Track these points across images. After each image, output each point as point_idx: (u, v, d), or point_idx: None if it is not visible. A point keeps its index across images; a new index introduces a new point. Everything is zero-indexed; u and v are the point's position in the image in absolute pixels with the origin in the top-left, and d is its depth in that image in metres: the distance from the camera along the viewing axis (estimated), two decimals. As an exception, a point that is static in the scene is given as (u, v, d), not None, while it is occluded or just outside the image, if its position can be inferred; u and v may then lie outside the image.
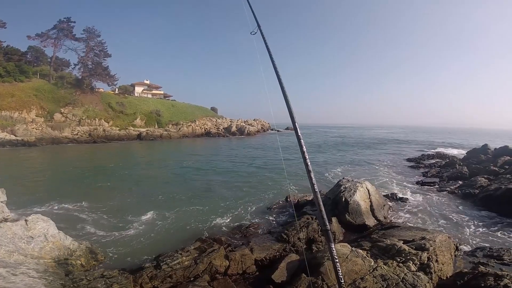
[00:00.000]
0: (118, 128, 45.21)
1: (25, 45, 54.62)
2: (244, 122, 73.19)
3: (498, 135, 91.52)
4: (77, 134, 39.54)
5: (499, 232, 9.21)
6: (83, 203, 11.84)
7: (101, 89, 54.95)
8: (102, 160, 25.86)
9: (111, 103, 49.58)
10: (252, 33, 3.42)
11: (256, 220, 10.31)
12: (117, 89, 58.17)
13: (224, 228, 9.59)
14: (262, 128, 75.77)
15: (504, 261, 6.34)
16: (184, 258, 6.35)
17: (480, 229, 9.53)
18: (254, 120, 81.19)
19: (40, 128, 36.61)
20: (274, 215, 10.82)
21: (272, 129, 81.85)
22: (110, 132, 42.80)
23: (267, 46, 3.12)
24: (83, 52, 51.49)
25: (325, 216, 1.01)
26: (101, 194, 13.37)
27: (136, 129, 47.18)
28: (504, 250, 6.89)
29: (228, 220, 10.41)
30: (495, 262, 6.36)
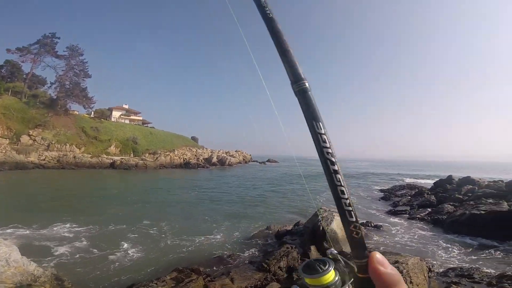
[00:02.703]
0: (90, 156, 42.78)
1: (2, 58, 51.65)
2: (226, 153, 72.94)
3: (459, 167, 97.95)
4: (44, 160, 36.95)
5: (467, 253, 9.81)
6: (51, 227, 11.40)
7: (75, 112, 52.67)
8: (67, 186, 24.54)
9: (85, 128, 47.55)
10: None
11: (237, 250, 10.09)
12: (93, 113, 56.31)
13: (203, 258, 9.22)
14: (243, 159, 75.87)
15: (475, 279, 6.68)
16: (160, 288, 6.02)
17: (450, 251, 10.07)
18: (236, 151, 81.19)
19: (4, 151, 33.99)
20: (255, 245, 10.67)
21: (254, 161, 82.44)
22: (81, 159, 40.37)
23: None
24: (63, 70, 49.55)
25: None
26: (69, 219, 12.68)
27: (109, 157, 44.86)
28: (474, 269, 7.30)
29: (208, 250, 10.09)
30: (467, 280, 6.68)
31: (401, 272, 6.63)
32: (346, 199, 0.65)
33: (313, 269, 0.61)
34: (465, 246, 10.55)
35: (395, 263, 7.00)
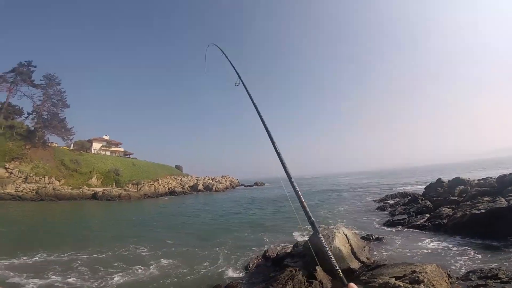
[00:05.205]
0: (70, 187, 40.49)
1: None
2: (212, 179, 72.43)
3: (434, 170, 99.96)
4: (22, 191, 34.71)
5: (478, 254, 9.40)
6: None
7: (54, 144, 50.13)
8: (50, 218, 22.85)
9: (64, 160, 45.25)
10: (236, 84, 3.61)
11: (237, 278, 9.31)
12: (72, 145, 53.96)
13: (202, 288, 8.37)
14: (230, 184, 75.01)
15: (502, 279, 6.20)
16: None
17: (461, 254, 9.65)
18: (222, 177, 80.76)
19: (-23, 182, 31.67)
20: (254, 271, 9.90)
21: (241, 185, 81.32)
22: (61, 191, 38.18)
23: (249, 94, 3.35)
24: (40, 100, 47.28)
25: (307, 209, 1.44)
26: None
27: (91, 188, 42.72)
28: (496, 270, 6.80)
29: (205, 279, 9.30)
30: (494, 282, 6.20)
31: (421, 281, 6.19)
32: (336, 264, 1.25)
33: None
34: (474, 247, 10.16)
35: (412, 273, 6.48)
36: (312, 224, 1.44)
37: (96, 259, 11.37)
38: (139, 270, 10.10)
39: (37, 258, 11.23)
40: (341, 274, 1.06)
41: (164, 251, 12.46)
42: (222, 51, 4.86)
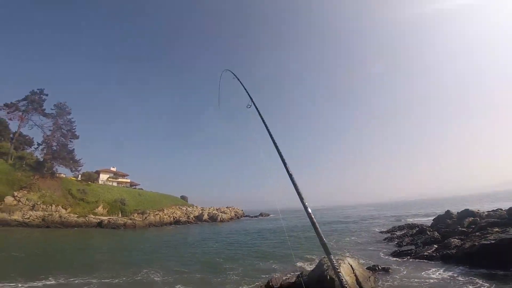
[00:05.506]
0: (76, 215, 40.95)
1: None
2: (217, 209, 72.24)
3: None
4: (28, 218, 35.36)
5: (486, 283, 9.42)
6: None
7: (62, 175, 50.99)
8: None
9: (71, 190, 46.12)
10: (247, 106, 3.59)
11: None
12: (80, 176, 54.98)
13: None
14: (236, 215, 74.58)
15: None
16: None
17: (467, 283, 9.68)
18: (227, 207, 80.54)
19: (-15, 208, 32.28)
20: None
21: (246, 216, 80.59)
22: (67, 219, 38.65)
23: (261, 117, 3.31)
24: (50, 130, 47.34)
25: (321, 233, 1.40)
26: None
27: (97, 216, 43.03)
28: None
29: None
30: None
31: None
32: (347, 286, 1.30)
33: None
34: (482, 277, 10.12)
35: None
36: (324, 245, 1.47)
37: (109, 284, 11.46)
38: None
39: (49, 282, 11.43)
40: None
41: (176, 278, 12.49)
42: (234, 75, 4.75)
